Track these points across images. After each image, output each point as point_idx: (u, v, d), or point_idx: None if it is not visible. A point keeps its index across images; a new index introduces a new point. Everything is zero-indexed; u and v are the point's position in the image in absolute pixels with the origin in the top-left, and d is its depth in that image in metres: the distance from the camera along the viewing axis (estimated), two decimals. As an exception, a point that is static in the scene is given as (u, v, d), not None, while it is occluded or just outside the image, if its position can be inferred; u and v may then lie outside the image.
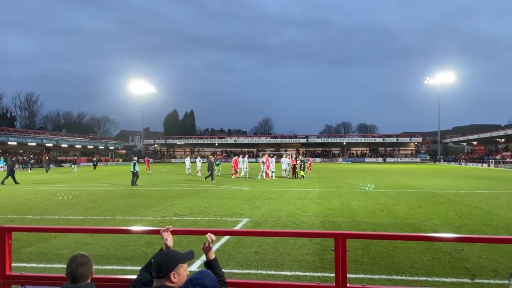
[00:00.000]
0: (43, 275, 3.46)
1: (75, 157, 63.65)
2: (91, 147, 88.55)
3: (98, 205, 14.27)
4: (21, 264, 6.60)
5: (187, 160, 38.46)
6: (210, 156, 31.80)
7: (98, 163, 52.29)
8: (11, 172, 25.65)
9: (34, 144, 69.86)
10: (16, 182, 25.02)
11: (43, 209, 13.45)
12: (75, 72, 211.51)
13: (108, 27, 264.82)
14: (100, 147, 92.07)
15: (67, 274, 2.62)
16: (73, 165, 49.70)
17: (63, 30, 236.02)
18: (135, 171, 23.84)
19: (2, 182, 24.90)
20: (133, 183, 23.54)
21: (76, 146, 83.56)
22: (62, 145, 78.16)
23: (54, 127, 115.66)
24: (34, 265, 6.61)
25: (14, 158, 34.88)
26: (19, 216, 11.87)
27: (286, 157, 31.71)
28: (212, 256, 2.88)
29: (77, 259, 2.64)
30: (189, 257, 2.61)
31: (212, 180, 26.29)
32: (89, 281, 2.65)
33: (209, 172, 26.98)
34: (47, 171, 43.03)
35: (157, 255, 2.64)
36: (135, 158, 26.26)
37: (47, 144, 73.00)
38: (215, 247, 7.53)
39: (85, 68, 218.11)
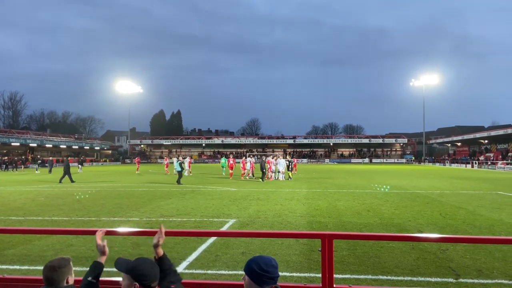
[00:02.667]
0: (26, 278, 3.40)
1: (82, 157, 62.05)
2: (77, 147, 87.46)
3: (83, 206, 14.09)
4: (4, 266, 6.49)
5: (186, 161, 37.64)
6: (263, 156, 31.80)
7: (83, 163, 50.90)
8: (67, 171, 26.57)
9: (18, 144, 68.65)
10: (72, 181, 26.20)
11: (27, 210, 13.24)
12: (60, 70, 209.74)
13: (94, 25, 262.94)
14: (85, 147, 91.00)
15: (43, 277, 2.61)
16: (80, 166, 48.24)
17: (47, 28, 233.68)
18: (180, 170, 24.68)
19: (71, 180, 26.10)
20: (178, 182, 24.23)
21: (61, 146, 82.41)
22: (47, 145, 76.98)
23: (38, 127, 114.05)
24: (17, 267, 6.50)
25: (69, 158, 34.74)
26: (2, 218, 11.66)
27: (250, 157, 31.90)
28: (160, 253, 2.75)
29: (51, 263, 2.61)
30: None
31: (262, 180, 26.67)
32: (65, 284, 2.59)
33: (262, 171, 27.43)
34: (50, 171, 41.59)
35: (147, 263, 2.51)
36: (180, 158, 26.46)
37: (31, 144, 71.83)
38: (201, 248, 7.53)
39: (70, 67, 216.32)
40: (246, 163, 31.20)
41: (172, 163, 39.24)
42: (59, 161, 71.33)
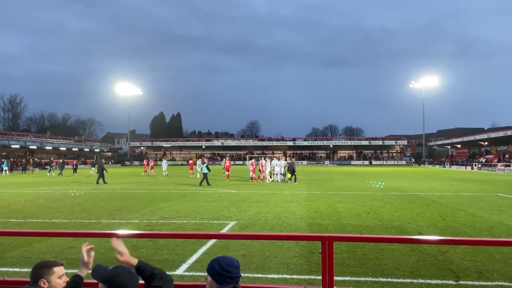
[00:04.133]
0: (26, 280, 3.40)
1: (82, 159, 61.63)
2: (76, 149, 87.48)
3: (83, 208, 14.08)
4: (4, 269, 6.49)
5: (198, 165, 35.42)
6: (292, 158, 31.93)
7: (78, 166, 50.11)
8: (101, 173, 27.21)
9: (18, 146, 68.72)
10: (104, 182, 26.69)
11: (27, 212, 13.23)
12: (59, 72, 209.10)
13: (93, 26, 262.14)
14: (85, 149, 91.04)
15: None
16: (92, 168, 46.79)
17: (47, 29, 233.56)
18: (206, 173, 25.03)
19: (97, 182, 26.66)
20: (208, 183, 24.61)
21: (61, 148, 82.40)
22: (47, 148, 77.03)
23: (38, 129, 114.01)
24: (18, 269, 6.50)
25: (102, 160, 34.74)
26: (2, 220, 11.66)
27: (266, 159, 32.16)
28: (134, 262, 2.63)
29: (39, 262, 2.69)
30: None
31: (295, 182, 26.91)
32: (40, 286, 2.59)
33: (292, 173, 27.70)
34: (60, 174, 41.26)
35: (121, 272, 2.43)
36: (206, 160, 26.62)
37: (30, 147, 71.87)
38: (201, 250, 7.51)
39: (69, 68, 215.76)
40: (264, 165, 30.15)
41: (161, 165, 39.47)
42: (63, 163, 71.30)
